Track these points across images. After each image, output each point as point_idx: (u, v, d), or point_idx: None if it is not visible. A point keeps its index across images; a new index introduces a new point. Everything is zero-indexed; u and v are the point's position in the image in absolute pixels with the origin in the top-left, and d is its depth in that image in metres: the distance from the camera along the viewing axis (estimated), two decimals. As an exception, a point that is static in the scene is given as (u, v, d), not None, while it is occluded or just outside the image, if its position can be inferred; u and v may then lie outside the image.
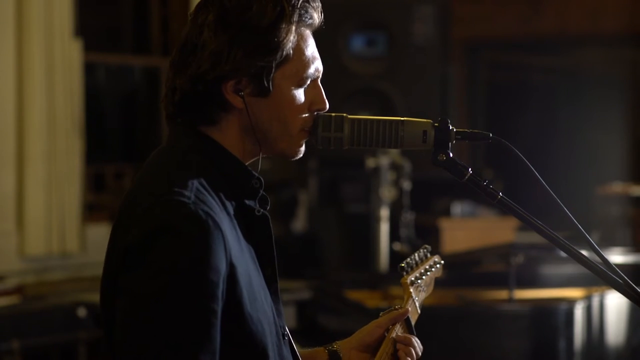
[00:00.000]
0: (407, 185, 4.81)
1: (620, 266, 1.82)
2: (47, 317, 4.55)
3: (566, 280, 4.12)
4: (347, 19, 5.87)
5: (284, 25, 1.60)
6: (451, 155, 1.68)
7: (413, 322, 1.88)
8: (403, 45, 5.82)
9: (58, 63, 5.34)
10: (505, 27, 7.21)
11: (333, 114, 1.71)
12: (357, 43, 5.91)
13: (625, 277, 1.64)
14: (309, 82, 1.65)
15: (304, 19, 1.63)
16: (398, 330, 1.83)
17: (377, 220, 4.94)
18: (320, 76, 1.69)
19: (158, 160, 1.65)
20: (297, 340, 4.51)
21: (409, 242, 4.58)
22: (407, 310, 1.86)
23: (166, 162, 1.63)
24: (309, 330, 4.26)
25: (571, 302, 3.62)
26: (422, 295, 1.97)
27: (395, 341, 1.80)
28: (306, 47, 1.64)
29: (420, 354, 1.81)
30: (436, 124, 1.69)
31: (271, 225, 1.70)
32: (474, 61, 7.36)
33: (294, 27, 1.61)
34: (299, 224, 6.13)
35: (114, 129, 6.57)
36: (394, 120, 1.70)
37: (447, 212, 5.69)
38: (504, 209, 1.68)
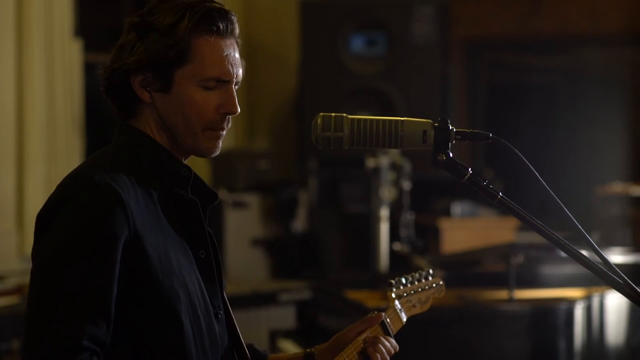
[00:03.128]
0: (407, 185, 4.81)
1: (620, 266, 1.82)
2: (47, 317, 4.55)
3: (566, 280, 4.12)
4: (347, 19, 5.87)
5: (181, 27, 1.76)
6: (451, 155, 1.69)
7: (394, 331, 1.98)
8: (403, 45, 5.82)
9: (58, 63, 5.34)
10: (505, 27, 7.21)
11: (333, 114, 1.71)
12: (357, 43, 5.91)
13: (625, 277, 1.64)
14: (213, 84, 1.78)
15: (206, 25, 1.78)
16: (370, 333, 1.93)
17: (377, 220, 4.94)
18: (235, 82, 1.81)
19: (93, 154, 1.83)
20: (297, 340, 4.49)
21: (409, 242, 4.58)
22: (381, 315, 1.97)
23: (99, 153, 1.82)
24: (309, 330, 4.26)
25: (571, 302, 3.62)
26: (414, 310, 2.08)
27: (364, 341, 1.91)
28: (210, 51, 1.78)
29: (392, 352, 1.91)
30: (436, 124, 1.70)
31: (200, 209, 1.82)
32: (474, 61, 7.35)
33: (192, 31, 1.77)
34: (299, 224, 6.13)
35: (114, 129, 6.56)
36: (393, 120, 1.70)
37: (447, 212, 5.69)
38: (504, 209, 1.68)
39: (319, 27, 5.94)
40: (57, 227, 1.67)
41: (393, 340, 1.92)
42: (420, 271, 2.11)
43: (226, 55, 1.79)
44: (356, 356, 1.88)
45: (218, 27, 1.79)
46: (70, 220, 1.67)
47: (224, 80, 1.80)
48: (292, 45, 6.27)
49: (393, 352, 1.90)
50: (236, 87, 1.83)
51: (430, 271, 2.13)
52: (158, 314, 1.69)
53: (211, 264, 1.82)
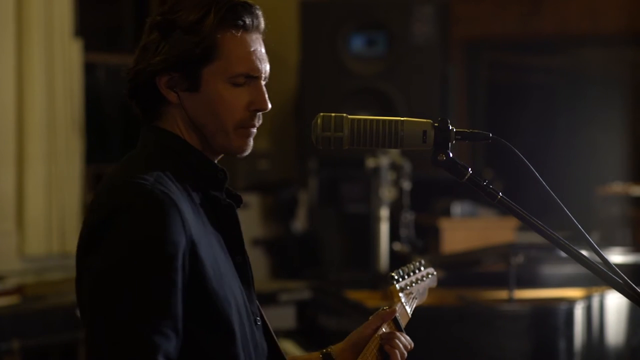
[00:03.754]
0: (407, 185, 4.81)
1: (620, 266, 1.82)
2: (47, 317, 4.55)
3: (566, 280, 4.12)
4: (347, 19, 5.87)
5: (207, 23, 1.71)
6: (451, 155, 1.69)
7: (403, 325, 1.94)
8: (403, 45, 5.82)
9: (58, 63, 5.34)
10: (505, 27, 7.21)
11: (333, 114, 1.71)
12: (357, 43, 5.91)
13: (625, 277, 1.64)
14: (242, 80, 1.73)
15: (232, 20, 1.73)
16: (385, 329, 1.89)
17: (377, 220, 4.94)
18: (264, 77, 1.77)
19: (124, 160, 1.75)
20: (297, 340, 4.49)
21: (409, 242, 4.58)
22: (395, 310, 1.93)
23: (131, 159, 1.73)
24: (309, 330, 4.26)
25: (571, 302, 3.62)
26: (415, 302, 2.04)
27: (381, 337, 1.87)
28: (237, 47, 1.73)
29: (408, 347, 1.87)
30: (436, 124, 1.69)
31: (237, 214, 1.78)
32: (474, 61, 7.35)
33: (218, 27, 1.71)
34: (299, 224, 6.13)
35: (114, 129, 6.57)
36: (393, 120, 1.70)
37: (447, 212, 5.69)
38: (504, 209, 1.68)
39: (319, 27, 5.94)
40: (115, 239, 1.58)
41: (407, 337, 1.89)
42: (413, 262, 2.08)
43: (253, 50, 1.75)
44: (376, 354, 1.85)
45: (244, 22, 1.74)
46: (128, 230, 1.58)
47: (253, 77, 1.75)
48: (292, 45, 6.27)
49: (409, 347, 1.87)
50: (264, 82, 1.78)
51: (423, 261, 2.10)
52: (213, 323, 1.63)
53: (247, 269, 1.77)
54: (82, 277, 1.64)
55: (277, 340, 1.83)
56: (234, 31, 1.73)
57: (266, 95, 1.76)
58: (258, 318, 1.77)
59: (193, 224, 1.63)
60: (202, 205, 1.71)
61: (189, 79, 1.72)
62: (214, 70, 1.72)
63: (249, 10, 1.76)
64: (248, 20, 1.75)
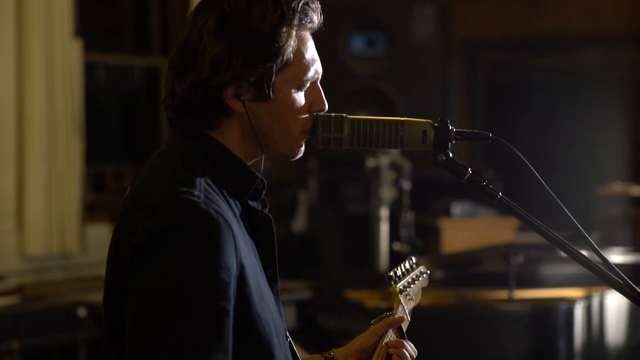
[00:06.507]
0: (407, 185, 4.81)
1: (620, 266, 1.82)
2: (47, 317, 4.55)
3: (566, 280, 4.12)
4: (347, 19, 5.87)
5: (284, 30, 1.59)
6: (451, 155, 1.68)
7: (404, 329, 1.89)
8: (403, 45, 5.82)
9: (58, 63, 5.34)
10: (505, 27, 7.21)
11: (333, 114, 1.71)
12: (357, 43, 5.91)
13: (625, 277, 1.64)
14: (308, 84, 1.64)
15: (304, 22, 1.62)
16: (391, 336, 1.85)
17: (377, 220, 4.94)
18: (320, 77, 1.68)
19: (160, 162, 1.64)
20: (297, 340, 4.50)
21: (409, 242, 4.58)
22: (402, 317, 1.87)
23: (169, 163, 1.62)
24: (309, 330, 4.26)
25: (571, 302, 3.63)
26: (411, 304, 1.98)
27: (388, 346, 1.82)
28: (306, 50, 1.63)
29: (414, 356, 1.82)
30: (436, 124, 1.69)
31: (274, 226, 1.69)
32: (474, 61, 7.35)
33: (294, 31, 1.60)
34: (299, 224, 6.13)
35: (114, 129, 6.57)
36: (393, 120, 1.70)
37: (447, 212, 5.69)
38: (504, 209, 1.68)
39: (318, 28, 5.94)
40: (167, 261, 1.47)
41: (411, 344, 1.83)
42: (405, 261, 2.00)
43: (314, 50, 1.65)
44: None
45: (313, 22, 1.63)
46: (181, 253, 1.47)
47: (316, 78, 1.66)
48: (292, 45, 6.27)
49: (415, 355, 1.81)
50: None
51: (414, 259, 2.02)
52: (254, 349, 1.55)
53: (277, 283, 1.68)
54: (124, 296, 1.53)
55: (297, 354, 1.76)
56: (302, 33, 1.62)
57: (323, 95, 1.68)
58: (288, 333, 1.70)
59: (241, 245, 1.53)
60: (241, 216, 1.61)
61: (262, 89, 1.59)
62: (286, 77, 1.61)
63: (315, 7, 1.64)
64: (316, 19, 1.64)
